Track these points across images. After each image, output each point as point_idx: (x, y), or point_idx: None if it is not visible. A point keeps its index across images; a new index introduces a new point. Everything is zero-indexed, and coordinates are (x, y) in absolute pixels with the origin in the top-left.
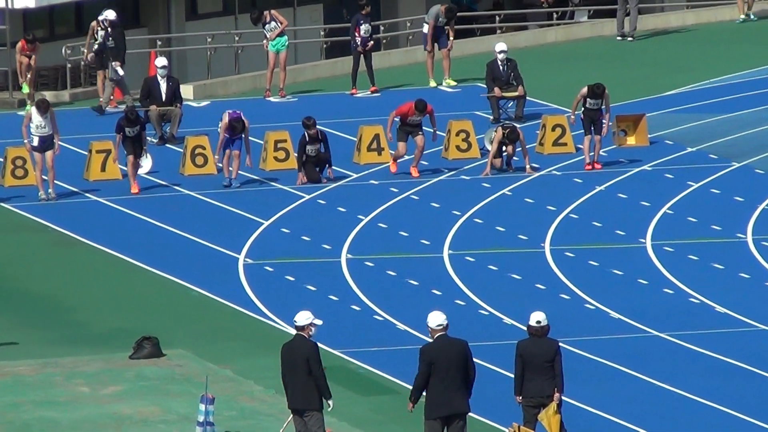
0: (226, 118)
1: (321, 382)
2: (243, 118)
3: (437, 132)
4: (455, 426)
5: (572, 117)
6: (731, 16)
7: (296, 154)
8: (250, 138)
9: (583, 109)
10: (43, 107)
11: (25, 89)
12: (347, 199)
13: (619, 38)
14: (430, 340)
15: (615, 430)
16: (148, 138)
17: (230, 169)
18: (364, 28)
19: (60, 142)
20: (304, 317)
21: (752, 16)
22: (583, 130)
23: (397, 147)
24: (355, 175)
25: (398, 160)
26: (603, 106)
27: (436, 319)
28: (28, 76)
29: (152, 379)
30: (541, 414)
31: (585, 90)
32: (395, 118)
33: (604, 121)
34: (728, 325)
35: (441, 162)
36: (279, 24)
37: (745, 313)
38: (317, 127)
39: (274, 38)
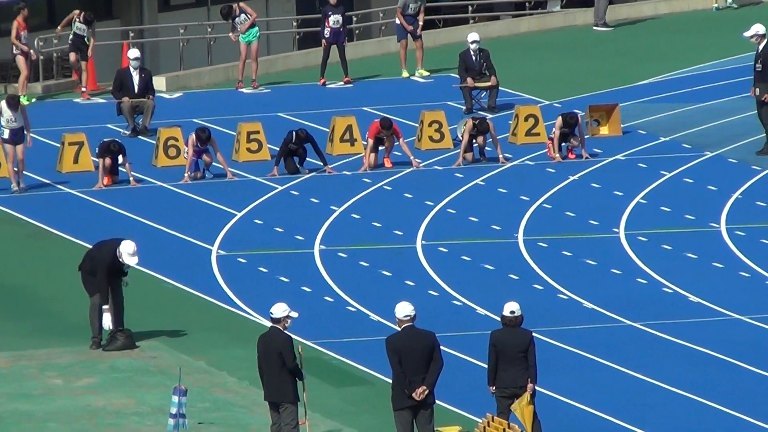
0: (192, 136)
1: (297, 373)
2: (210, 130)
3: (412, 157)
4: (422, 416)
5: (557, 156)
6: (704, 6)
7: (278, 149)
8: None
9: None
10: (13, 103)
11: (24, 101)
12: (320, 190)
13: (595, 28)
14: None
15: (588, 420)
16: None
17: (200, 160)
18: (333, 18)
19: (32, 135)
20: (280, 309)
21: (730, 2)
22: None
23: (369, 158)
24: (327, 166)
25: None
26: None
27: (404, 309)
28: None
29: (126, 371)
30: (514, 404)
31: (559, 120)
32: (371, 140)
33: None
34: (702, 315)
35: (414, 152)
36: (248, 16)
37: (718, 303)
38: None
39: (245, 30)
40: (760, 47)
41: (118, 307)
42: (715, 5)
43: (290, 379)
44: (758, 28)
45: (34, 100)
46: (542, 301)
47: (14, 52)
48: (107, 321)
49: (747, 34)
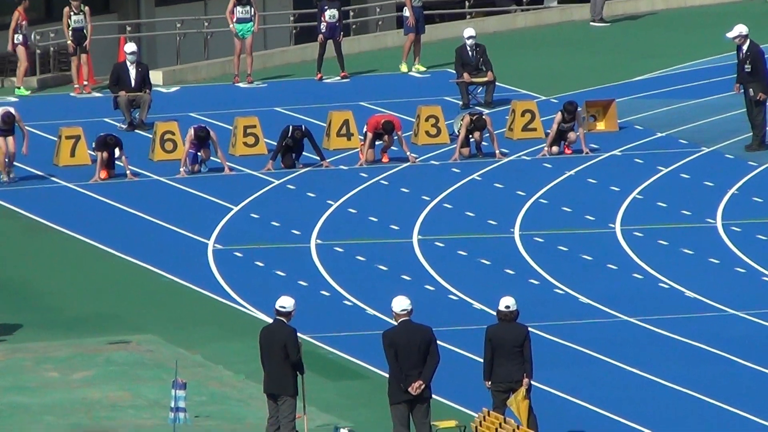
0: (191, 131)
1: (299, 366)
2: (209, 129)
3: (408, 153)
4: (419, 410)
5: (547, 150)
6: (701, 2)
7: (276, 144)
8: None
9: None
10: (9, 120)
11: (24, 92)
12: (316, 184)
13: (592, 23)
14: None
15: (584, 415)
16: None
17: (199, 153)
18: (329, 13)
19: (30, 129)
20: (290, 302)
21: None
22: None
23: (366, 153)
24: (324, 161)
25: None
26: (575, 123)
27: (401, 303)
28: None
29: (122, 364)
30: (510, 399)
31: (558, 116)
32: (370, 134)
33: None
34: (697, 310)
35: (410, 147)
36: (252, 13)
37: (714, 298)
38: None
39: (234, 19)
40: (744, 48)
41: None
42: None
43: (292, 372)
44: (741, 29)
45: (29, 92)
46: (538, 296)
47: (15, 42)
48: None
49: (730, 35)
